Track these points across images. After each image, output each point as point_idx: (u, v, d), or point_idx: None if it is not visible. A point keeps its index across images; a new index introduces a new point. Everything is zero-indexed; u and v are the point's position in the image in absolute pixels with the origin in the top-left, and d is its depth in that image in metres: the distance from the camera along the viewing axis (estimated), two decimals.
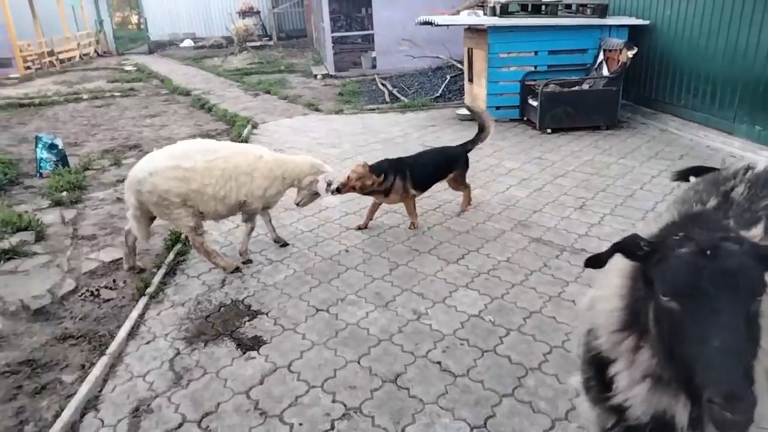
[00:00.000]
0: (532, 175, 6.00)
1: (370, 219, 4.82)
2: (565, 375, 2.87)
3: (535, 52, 8.32)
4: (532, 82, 8.10)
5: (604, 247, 4.12)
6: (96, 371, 2.92)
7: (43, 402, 2.79)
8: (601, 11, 8.34)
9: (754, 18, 6.20)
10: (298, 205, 4.46)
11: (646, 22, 8.06)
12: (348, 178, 4.33)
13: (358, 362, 3.04)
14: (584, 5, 8.65)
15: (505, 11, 8.31)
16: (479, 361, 3.02)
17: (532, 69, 8.34)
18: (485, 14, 8.75)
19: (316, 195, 4.38)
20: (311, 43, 22.27)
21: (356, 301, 3.67)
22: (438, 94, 10.89)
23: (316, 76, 14.59)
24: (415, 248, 4.40)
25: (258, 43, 22.88)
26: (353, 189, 4.36)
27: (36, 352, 3.19)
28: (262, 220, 4.50)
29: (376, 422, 2.60)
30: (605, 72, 7.87)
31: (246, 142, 7.80)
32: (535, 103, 7.85)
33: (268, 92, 12.40)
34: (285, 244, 4.51)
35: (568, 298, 3.61)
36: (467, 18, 8.67)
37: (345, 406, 2.72)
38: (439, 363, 3.02)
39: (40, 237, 4.59)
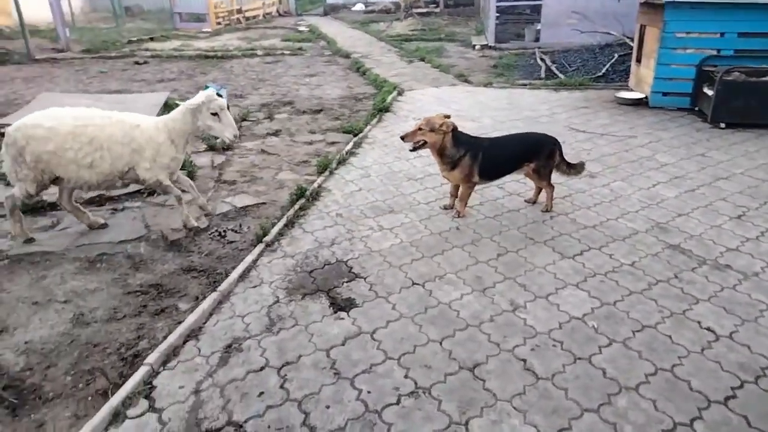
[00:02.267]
0: (688, 174, 5.29)
1: (455, 196, 4.59)
2: (665, 403, 2.55)
3: (721, 34, 7.19)
4: (712, 68, 7.05)
5: (758, 267, 3.58)
6: (205, 304, 3.23)
7: (160, 323, 3.18)
8: None
9: None
10: (235, 137, 4.15)
11: None
12: (416, 124, 4.20)
13: (440, 343, 2.99)
14: None
15: None
16: (569, 367, 2.80)
17: (715, 53, 7.23)
18: None
19: (215, 118, 4.02)
20: (477, 12, 21.72)
21: (454, 281, 3.59)
22: (600, 74, 10.02)
23: (474, 46, 14.26)
24: (530, 236, 4.16)
25: (424, 10, 22.89)
26: (420, 139, 4.15)
27: (164, 278, 3.63)
28: (186, 188, 4.37)
29: (442, 407, 2.55)
30: None
31: (388, 109, 7.93)
32: (710, 92, 6.85)
33: (423, 60, 12.41)
34: (209, 214, 4.45)
35: (693, 318, 3.17)
36: None
37: (416, 383, 2.70)
38: (524, 360, 2.85)
39: (190, 176, 5.14)
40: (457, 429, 2.43)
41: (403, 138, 4.21)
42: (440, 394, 2.63)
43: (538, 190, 4.69)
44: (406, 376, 2.75)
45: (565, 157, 4.57)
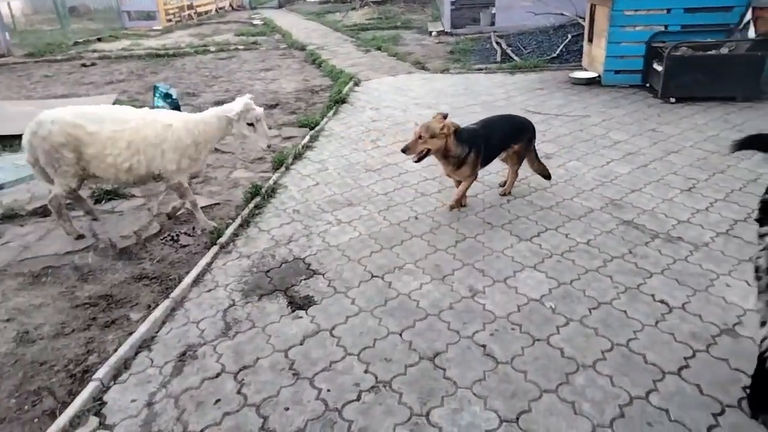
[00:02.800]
0: (641, 150, 5.39)
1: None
2: (621, 378, 2.58)
3: (668, 10, 7.32)
4: (660, 44, 7.18)
5: (707, 237, 3.66)
6: (157, 313, 3.13)
7: (110, 335, 3.06)
8: None
9: None
10: (269, 146, 4.11)
11: None
12: (415, 132, 3.92)
13: (400, 335, 2.96)
14: None
15: None
16: (528, 349, 2.81)
17: (662, 29, 7.37)
18: None
19: (251, 128, 3.94)
20: None
21: (413, 270, 3.57)
22: (555, 55, 10.11)
23: (431, 33, 14.23)
24: (488, 221, 4.16)
25: None
26: (422, 147, 3.88)
27: (114, 288, 3.50)
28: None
29: (403, 399, 2.53)
30: (751, 34, 6.77)
31: (345, 100, 7.84)
32: (660, 68, 6.98)
33: (379, 49, 12.32)
34: (172, 217, 4.36)
35: (647, 291, 3.22)
36: None
37: (376, 378, 2.67)
38: (483, 346, 2.85)
39: None
40: (418, 420, 2.41)
41: (404, 151, 3.91)
42: (401, 387, 2.60)
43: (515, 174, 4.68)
44: (366, 371, 2.72)
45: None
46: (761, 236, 2.15)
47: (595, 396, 2.49)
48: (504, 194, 4.58)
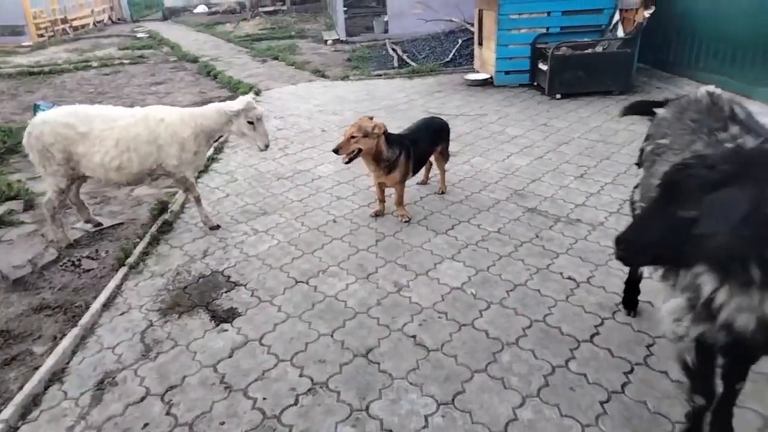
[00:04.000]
0: (535, 143, 5.78)
1: (383, 201, 4.34)
2: (542, 350, 2.76)
3: (548, 13, 7.92)
4: (544, 45, 7.74)
5: (601, 217, 3.99)
6: (65, 343, 2.89)
7: (11, 373, 2.79)
8: None
9: None
10: (267, 147, 4.05)
11: None
12: (346, 133, 3.85)
13: (331, 336, 2.96)
14: None
15: None
16: (455, 335, 2.92)
17: (544, 31, 7.96)
18: None
19: (250, 126, 3.94)
20: (325, 8, 21.79)
21: (338, 272, 3.58)
22: (448, 59, 10.55)
23: (326, 41, 14.30)
24: (405, 219, 4.27)
25: (271, 8, 22.51)
26: (354, 146, 3.81)
27: (11, 323, 3.19)
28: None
29: (342, 397, 2.53)
30: (620, 33, 7.49)
31: None
32: (545, 68, 7.53)
33: (276, 58, 12.19)
34: (216, 227, 4.24)
35: (556, 270, 3.46)
36: None
37: (312, 380, 2.65)
38: (413, 337, 2.92)
39: (29, 206, 4.58)
40: (359, 415, 2.43)
41: (336, 151, 3.81)
42: (338, 386, 2.61)
43: (429, 170, 4.82)
44: (301, 375, 2.69)
45: None
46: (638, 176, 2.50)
47: (521, 370, 2.65)
48: (442, 192, 4.68)
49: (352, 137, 3.82)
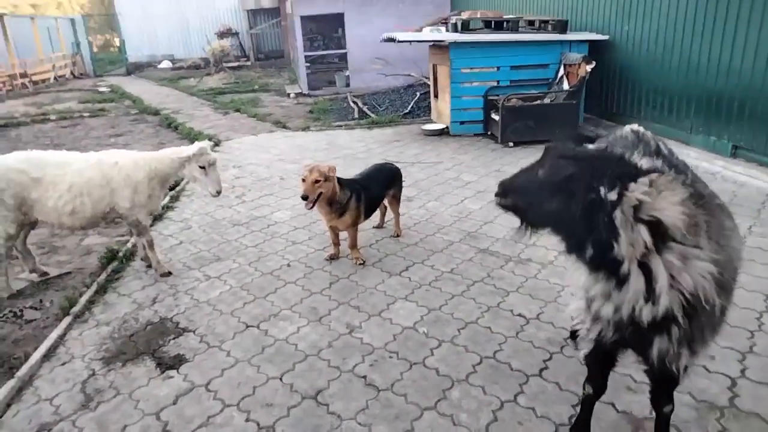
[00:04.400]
0: (488, 188, 5.95)
1: (338, 244, 4.37)
2: (492, 386, 2.78)
3: (498, 68, 8.34)
4: (495, 97, 8.11)
5: (551, 256, 4.10)
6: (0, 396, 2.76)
7: None
8: (562, 27, 8.41)
9: (705, 33, 6.27)
10: (218, 193, 4.06)
11: (606, 37, 8.14)
12: (307, 178, 3.80)
13: (281, 379, 2.91)
14: (546, 21, 8.72)
15: (466, 27, 8.36)
16: (406, 374, 2.91)
17: (495, 84, 8.35)
18: (447, 30, 8.79)
19: (202, 171, 3.95)
20: (289, 63, 22.34)
21: (290, 316, 3.55)
22: (407, 111, 10.90)
23: (289, 94, 14.59)
24: (359, 262, 4.30)
25: (235, 64, 22.89)
26: (318, 191, 3.81)
27: None
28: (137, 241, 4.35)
29: None
30: (566, 86, 7.92)
31: None
32: (497, 118, 7.86)
33: (238, 110, 12.34)
34: (168, 273, 4.19)
35: (506, 308, 3.52)
36: (428, 34, 8.71)
37: (258, 425, 2.59)
38: (364, 377, 2.90)
39: None
40: None
41: (305, 198, 3.78)
42: (285, 429, 2.55)
43: (384, 214, 4.91)
44: (247, 420, 2.62)
45: None
46: None
47: (470, 406, 2.65)
48: (397, 236, 4.73)
49: (316, 182, 3.81)
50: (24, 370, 2.99)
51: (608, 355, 2.11)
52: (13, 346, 3.35)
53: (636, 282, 1.61)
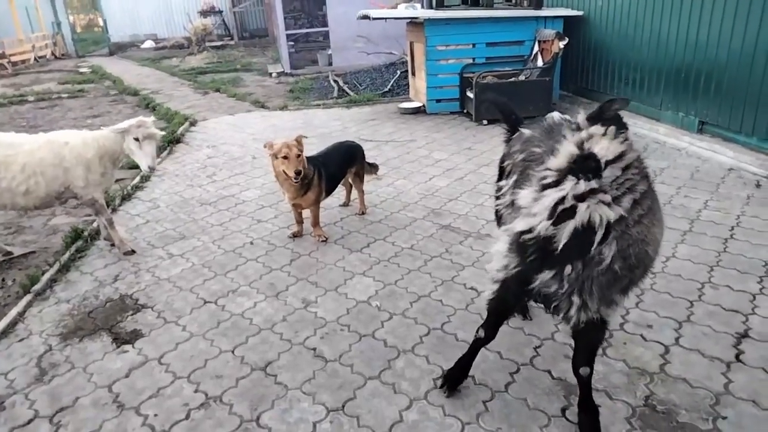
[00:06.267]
0: (457, 165, 6.01)
1: (301, 222, 4.43)
2: (436, 356, 2.87)
3: (473, 45, 8.33)
4: (471, 75, 8.11)
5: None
6: None
7: None
8: (537, 3, 8.41)
9: (673, 6, 6.30)
10: (150, 169, 4.01)
11: (580, 13, 8.15)
12: (290, 154, 3.83)
13: (233, 352, 2.99)
14: None
15: (441, 4, 8.34)
16: (354, 345, 3.00)
17: (471, 61, 8.35)
18: (422, 7, 8.75)
19: (137, 144, 3.91)
20: (273, 42, 22.10)
21: (248, 292, 3.62)
22: (387, 89, 10.88)
23: (271, 74, 14.49)
24: (322, 239, 4.36)
25: (218, 43, 22.64)
26: (279, 156, 3.84)
27: None
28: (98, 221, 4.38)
29: (234, 410, 2.56)
30: (540, 63, 7.93)
31: (180, 140, 7.70)
32: (471, 95, 7.87)
33: (218, 90, 12.27)
34: (131, 252, 4.22)
35: (459, 282, 3.61)
36: (403, 11, 8.66)
37: (206, 395, 2.67)
38: (314, 349, 2.98)
39: None
40: (248, 426, 2.46)
41: (299, 173, 3.82)
42: (231, 399, 2.64)
43: (350, 192, 4.97)
44: (196, 391, 2.70)
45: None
46: (498, 189, 2.76)
47: (413, 375, 2.74)
48: (362, 213, 4.79)
49: (298, 156, 3.86)
50: None
51: (508, 303, 2.31)
52: None
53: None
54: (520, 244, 1.95)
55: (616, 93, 7.66)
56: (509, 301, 2.27)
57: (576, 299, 1.88)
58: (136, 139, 3.90)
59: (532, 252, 1.89)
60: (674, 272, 3.53)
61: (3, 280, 3.89)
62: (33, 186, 3.76)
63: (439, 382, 2.65)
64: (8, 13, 21.22)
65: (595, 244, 1.76)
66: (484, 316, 2.53)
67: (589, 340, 2.14)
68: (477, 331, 2.52)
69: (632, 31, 7.13)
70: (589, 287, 1.85)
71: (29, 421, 2.54)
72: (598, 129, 1.83)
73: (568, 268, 1.84)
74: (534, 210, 1.82)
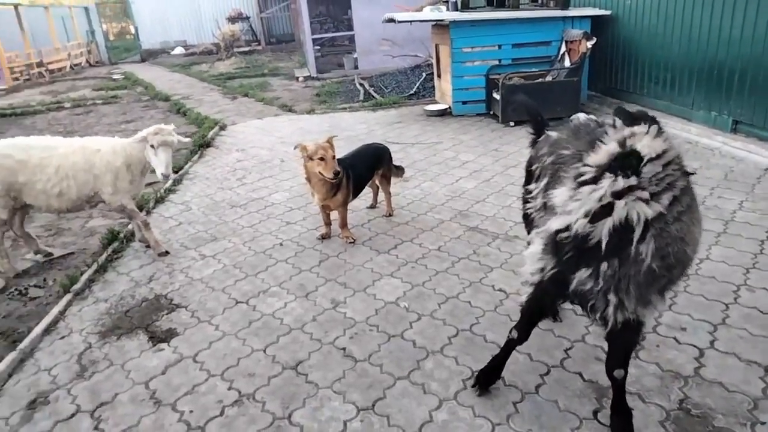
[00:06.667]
0: (485, 167, 6.00)
1: (329, 224, 4.48)
2: (464, 357, 2.88)
3: (499, 46, 8.30)
4: (497, 76, 8.07)
5: None
6: (1, 366, 2.94)
7: None
8: (564, 3, 8.34)
9: (705, 2, 6.18)
10: (164, 176, 4.03)
11: (608, 12, 8.04)
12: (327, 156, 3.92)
13: (264, 351, 3.05)
14: None
15: (466, 5, 8.33)
16: (384, 345, 3.03)
17: (497, 63, 8.32)
18: (448, 9, 8.75)
19: (153, 151, 3.97)
20: (299, 47, 22.35)
21: (278, 292, 3.68)
22: (412, 92, 10.90)
23: (297, 78, 14.66)
24: (350, 241, 4.40)
25: (246, 48, 22.99)
26: (315, 158, 3.93)
27: None
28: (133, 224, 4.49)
29: (266, 407, 2.61)
30: (567, 63, 7.86)
31: (210, 144, 7.86)
32: (498, 97, 7.84)
33: (246, 95, 12.47)
34: (165, 253, 4.33)
35: (488, 283, 3.61)
36: (428, 13, 8.68)
37: (240, 392, 2.73)
38: (343, 349, 3.02)
39: None
40: (281, 423, 2.51)
41: (337, 173, 3.93)
42: (264, 396, 2.69)
43: (377, 194, 5.02)
44: (229, 388, 2.77)
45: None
46: (527, 193, 2.75)
47: (442, 375, 2.76)
48: (389, 215, 4.83)
49: (333, 157, 3.97)
50: (26, 343, 3.17)
51: (544, 304, 2.30)
52: (17, 321, 3.54)
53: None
54: (556, 244, 1.95)
55: (646, 93, 7.55)
56: (545, 302, 2.28)
57: (612, 297, 1.87)
58: (152, 146, 3.98)
59: (568, 250, 1.89)
60: (708, 274, 3.47)
61: (45, 280, 4.04)
62: (65, 188, 3.90)
63: (470, 383, 2.66)
64: (45, 23, 21.94)
65: (633, 242, 1.75)
66: (515, 318, 2.53)
67: (623, 342, 2.12)
68: (510, 332, 2.53)
69: (662, 29, 7.01)
70: (626, 286, 1.84)
71: (72, 415, 2.64)
72: (641, 127, 1.82)
73: (604, 265, 1.83)
74: (569, 207, 1.82)
